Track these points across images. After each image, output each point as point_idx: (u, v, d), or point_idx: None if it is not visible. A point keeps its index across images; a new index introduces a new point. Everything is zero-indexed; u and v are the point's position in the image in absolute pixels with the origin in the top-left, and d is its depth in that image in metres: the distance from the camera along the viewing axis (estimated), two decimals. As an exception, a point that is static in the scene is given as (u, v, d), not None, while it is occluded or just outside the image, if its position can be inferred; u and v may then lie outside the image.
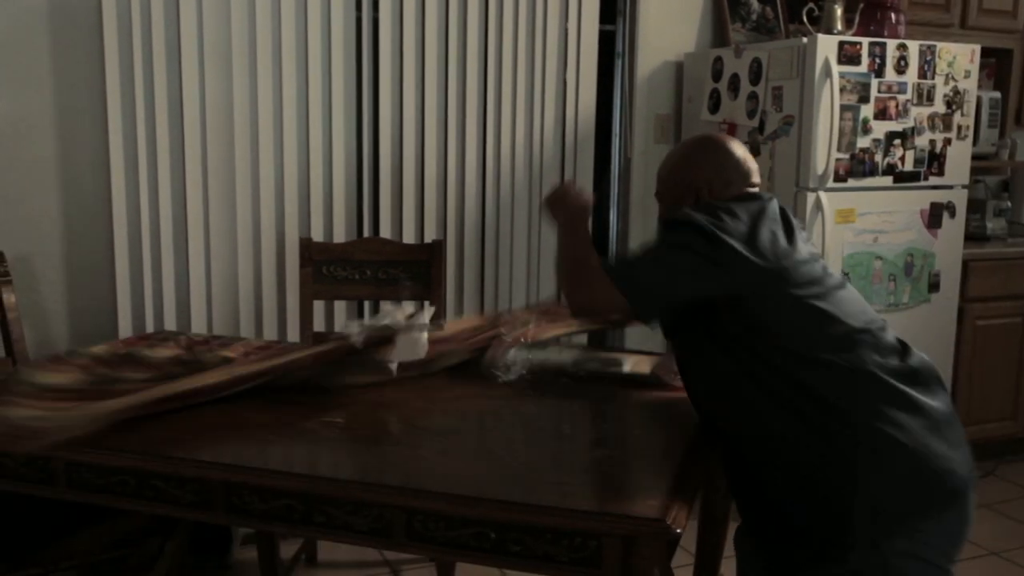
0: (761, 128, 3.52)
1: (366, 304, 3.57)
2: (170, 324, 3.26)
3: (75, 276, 3.24)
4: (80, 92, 3.14)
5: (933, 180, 3.71)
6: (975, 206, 4.23)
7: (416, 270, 3.29)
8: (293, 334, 3.39)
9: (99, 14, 3.07)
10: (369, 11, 3.45)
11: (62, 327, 3.24)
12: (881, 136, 3.52)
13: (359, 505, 1.77)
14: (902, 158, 3.58)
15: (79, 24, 3.10)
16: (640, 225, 3.91)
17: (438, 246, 3.29)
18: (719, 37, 3.93)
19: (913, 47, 3.57)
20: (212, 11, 3.18)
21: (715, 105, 3.68)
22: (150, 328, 3.22)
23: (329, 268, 3.27)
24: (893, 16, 3.69)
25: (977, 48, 3.73)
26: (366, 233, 3.57)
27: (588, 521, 1.60)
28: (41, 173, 3.15)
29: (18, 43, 3.06)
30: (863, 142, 3.49)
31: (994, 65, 4.45)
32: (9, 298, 2.94)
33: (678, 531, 1.54)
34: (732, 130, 3.59)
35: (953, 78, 3.67)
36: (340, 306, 3.55)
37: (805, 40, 3.38)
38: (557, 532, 1.62)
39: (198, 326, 3.29)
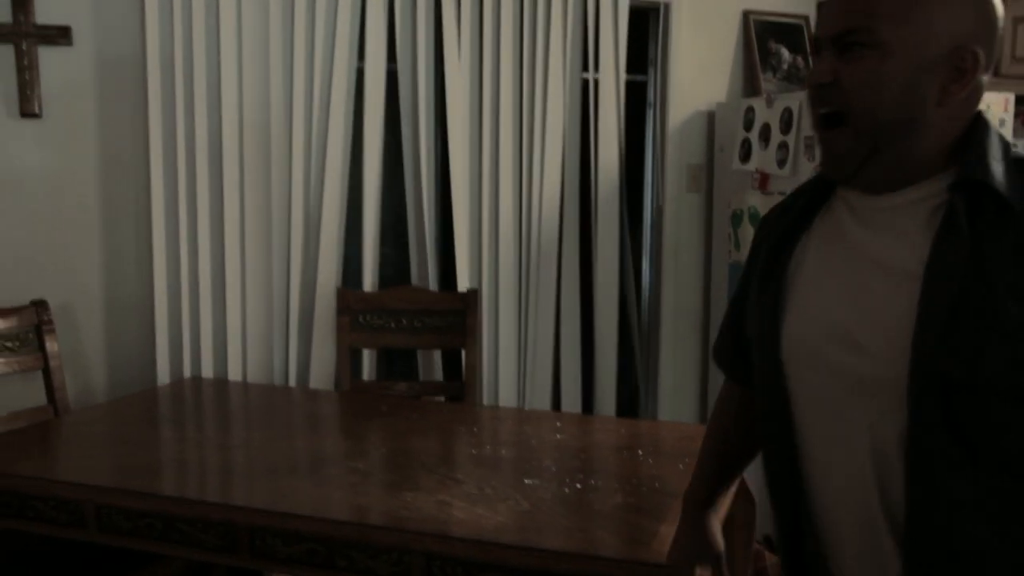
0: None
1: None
2: (207, 372, 3.31)
3: (115, 324, 3.31)
4: (123, 144, 3.24)
5: (969, 228, 3.66)
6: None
7: (451, 319, 3.32)
8: (327, 382, 3.42)
9: (143, 70, 3.17)
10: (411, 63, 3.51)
11: (101, 374, 3.30)
12: (915, 184, 3.49)
13: (380, 549, 1.80)
14: (937, 206, 3.54)
15: (124, 78, 3.21)
16: (672, 274, 3.90)
17: (472, 295, 3.32)
18: (750, 87, 3.95)
19: (946, 95, 3.55)
20: (251, 67, 3.27)
21: (746, 154, 3.69)
22: (187, 375, 3.28)
23: (365, 317, 3.32)
24: (926, 65, 3.68)
25: (1011, 96, 3.71)
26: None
27: (606, 567, 1.61)
28: (84, 223, 3.24)
29: (66, 96, 3.17)
30: (896, 190, 3.46)
31: (1029, 113, 4.42)
32: (52, 346, 3.01)
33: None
34: (765, 179, 3.59)
35: (988, 126, 3.65)
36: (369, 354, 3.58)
37: (836, 89, 3.37)
38: (574, 577, 1.63)
39: (234, 374, 3.34)
